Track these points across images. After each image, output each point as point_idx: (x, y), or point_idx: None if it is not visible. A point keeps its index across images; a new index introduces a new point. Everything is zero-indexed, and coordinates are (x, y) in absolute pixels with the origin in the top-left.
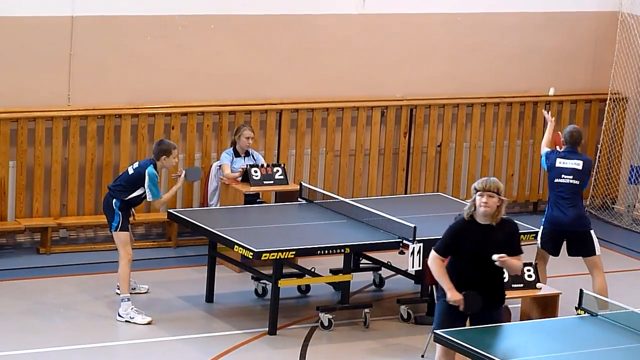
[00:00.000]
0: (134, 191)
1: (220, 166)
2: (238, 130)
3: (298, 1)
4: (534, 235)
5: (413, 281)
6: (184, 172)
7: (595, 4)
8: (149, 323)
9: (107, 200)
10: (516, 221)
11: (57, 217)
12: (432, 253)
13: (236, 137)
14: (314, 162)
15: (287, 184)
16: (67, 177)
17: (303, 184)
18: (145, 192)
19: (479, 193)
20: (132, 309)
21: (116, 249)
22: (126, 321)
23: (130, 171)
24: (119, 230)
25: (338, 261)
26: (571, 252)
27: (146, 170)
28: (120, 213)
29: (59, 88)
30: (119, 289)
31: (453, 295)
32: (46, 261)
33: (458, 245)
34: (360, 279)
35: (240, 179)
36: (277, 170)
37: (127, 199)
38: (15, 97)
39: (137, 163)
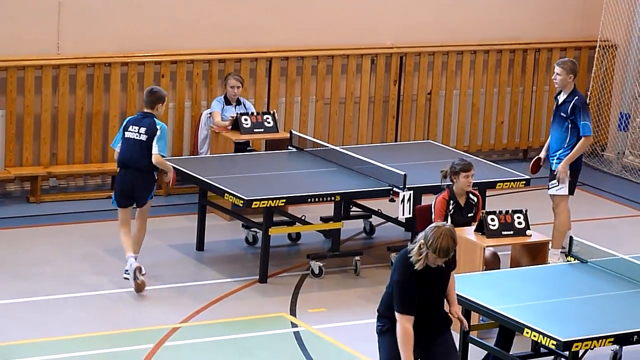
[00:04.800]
0: None
1: (210, 114)
2: (225, 79)
3: None
4: (523, 182)
5: (403, 229)
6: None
7: None
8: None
9: (137, 179)
10: (506, 169)
11: (47, 166)
12: (403, 318)
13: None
14: (304, 110)
15: (277, 132)
16: (57, 125)
17: (293, 132)
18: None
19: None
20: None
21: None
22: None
23: (143, 138)
24: (150, 199)
25: (328, 209)
26: None
27: (159, 126)
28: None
29: (48, 36)
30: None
31: None
32: (36, 210)
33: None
34: (351, 227)
35: (230, 127)
36: (267, 118)
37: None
38: (4, 45)
39: (139, 128)
